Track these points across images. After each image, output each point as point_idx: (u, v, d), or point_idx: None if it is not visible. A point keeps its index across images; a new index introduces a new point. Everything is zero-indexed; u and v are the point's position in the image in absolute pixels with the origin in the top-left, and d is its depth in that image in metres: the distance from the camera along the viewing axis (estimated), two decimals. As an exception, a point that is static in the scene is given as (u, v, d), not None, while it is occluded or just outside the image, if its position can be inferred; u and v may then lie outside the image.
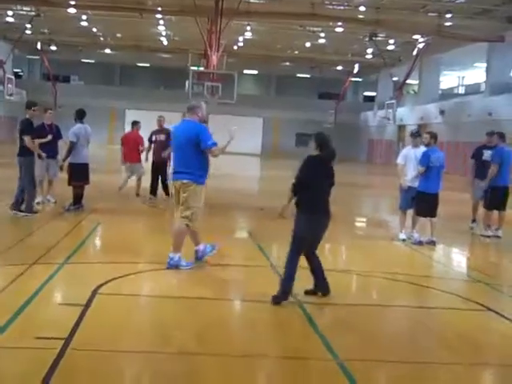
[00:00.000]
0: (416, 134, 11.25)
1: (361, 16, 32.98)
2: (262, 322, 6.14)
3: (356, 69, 49.35)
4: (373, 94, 56.97)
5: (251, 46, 44.06)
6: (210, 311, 6.39)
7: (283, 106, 53.51)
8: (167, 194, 14.99)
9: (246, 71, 53.29)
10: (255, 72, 57.76)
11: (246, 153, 50.72)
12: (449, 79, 52.23)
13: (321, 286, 6.87)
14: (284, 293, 6.54)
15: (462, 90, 53.56)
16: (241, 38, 41.29)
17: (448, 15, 31.51)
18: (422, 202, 10.73)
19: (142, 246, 9.83)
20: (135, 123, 15.45)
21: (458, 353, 5.57)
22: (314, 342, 5.55)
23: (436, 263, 10.03)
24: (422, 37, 37.23)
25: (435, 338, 5.96)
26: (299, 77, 58.89)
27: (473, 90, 48.75)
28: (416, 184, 10.91)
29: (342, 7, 31.44)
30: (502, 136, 12.24)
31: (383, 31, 36.32)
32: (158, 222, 12.72)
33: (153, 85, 55.73)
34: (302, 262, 6.74)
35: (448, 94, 48.27)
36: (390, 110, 41.02)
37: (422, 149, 10.95)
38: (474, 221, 12.99)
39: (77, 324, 5.51)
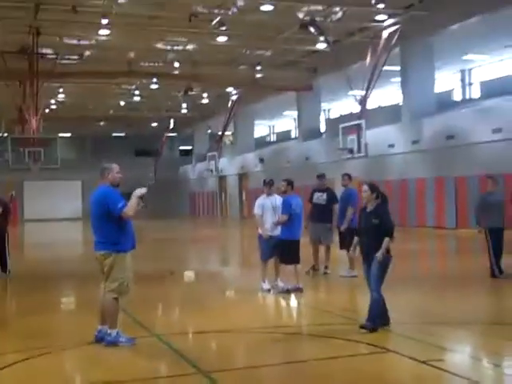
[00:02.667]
0: (270, 183, 11.26)
1: (175, 72, 33.36)
2: None
3: (171, 124, 49.69)
4: (189, 147, 57.66)
5: (64, 108, 42.69)
6: None
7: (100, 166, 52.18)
8: (4, 270, 13.84)
9: (60, 134, 51.51)
10: (69, 135, 55.98)
11: (67, 217, 48.58)
12: (260, 128, 54.33)
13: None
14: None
15: (273, 138, 55.94)
16: (53, 101, 39.90)
17: (258, 67, 32.93)
18: (287, 250, 10.67)
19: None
20: None
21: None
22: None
23: (313, 310, 9.94)
24: (235, 89, 38.47)
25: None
26: (115, 136, 58.14)
27: (284, 137, 51.11)
28: (276, 233, 10.86)
29: (156, 64, 31.61)
30: (350, 177, 12.57)
31: (198, 85, 36.97)
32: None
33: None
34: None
35: (262, 143, 50.15)
36: (212, 162, 41.65)
37: (277, 197, 11.02)
38: (314, 267, 12.67)
39: None
